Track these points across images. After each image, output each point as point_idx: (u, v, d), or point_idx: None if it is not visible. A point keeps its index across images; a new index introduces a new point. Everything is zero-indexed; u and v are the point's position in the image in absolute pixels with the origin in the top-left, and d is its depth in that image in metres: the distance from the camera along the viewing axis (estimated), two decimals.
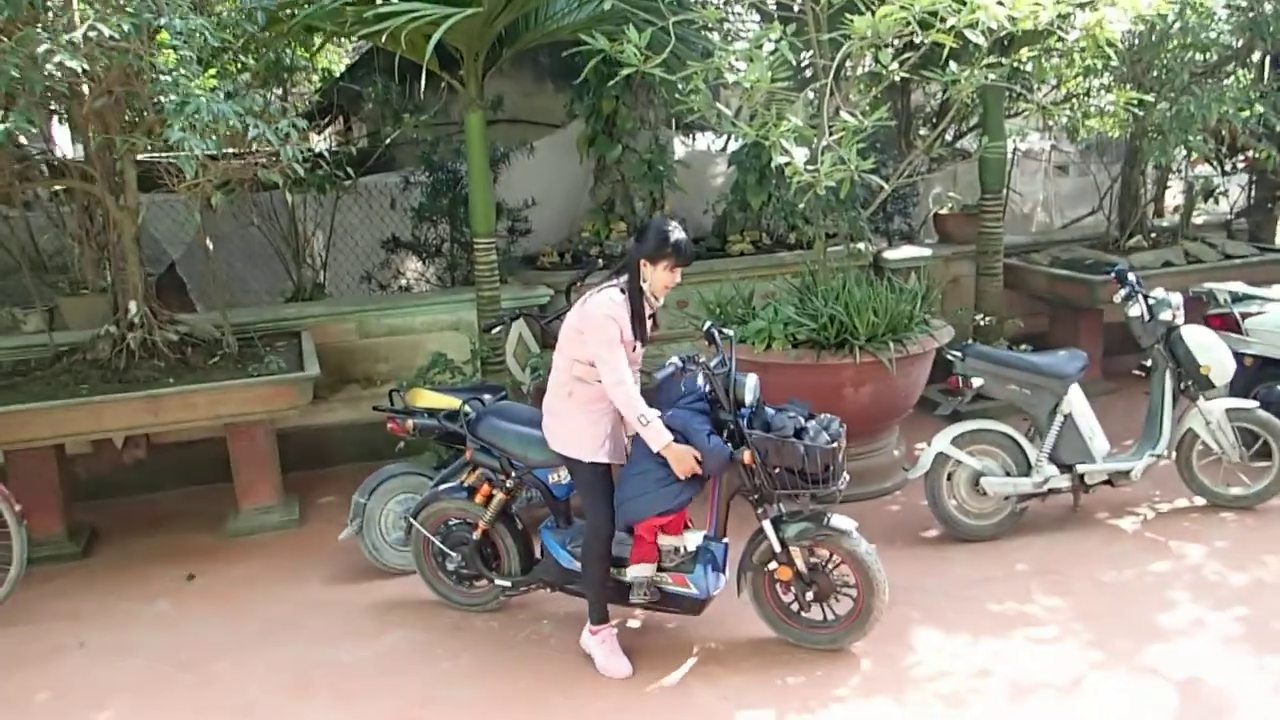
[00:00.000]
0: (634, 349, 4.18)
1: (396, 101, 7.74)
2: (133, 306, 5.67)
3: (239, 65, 7.32)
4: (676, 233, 4.08)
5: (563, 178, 8.21)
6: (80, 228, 6.26)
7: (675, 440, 4.06)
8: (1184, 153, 7.67)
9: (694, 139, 9.31)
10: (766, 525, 4.26)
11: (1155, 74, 7.25)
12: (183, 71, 4.53)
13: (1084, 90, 9.08)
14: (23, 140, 5.55)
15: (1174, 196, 9.67)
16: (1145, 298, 5.46)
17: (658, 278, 4.12)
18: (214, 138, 4.57)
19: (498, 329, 6.09)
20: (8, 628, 4.91)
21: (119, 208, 5.57)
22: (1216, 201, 8.97)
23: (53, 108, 5.66)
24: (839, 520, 4.23)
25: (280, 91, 7.97)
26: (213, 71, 7.38)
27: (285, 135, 4.79)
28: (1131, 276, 5.61)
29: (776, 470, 4.18)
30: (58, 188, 6.22)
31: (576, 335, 4.14)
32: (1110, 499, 5.66)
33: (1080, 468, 5.30)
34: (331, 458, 6.90)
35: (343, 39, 7.89)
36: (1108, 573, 4.94)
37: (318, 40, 7.27)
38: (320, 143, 10.63)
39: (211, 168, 4.96)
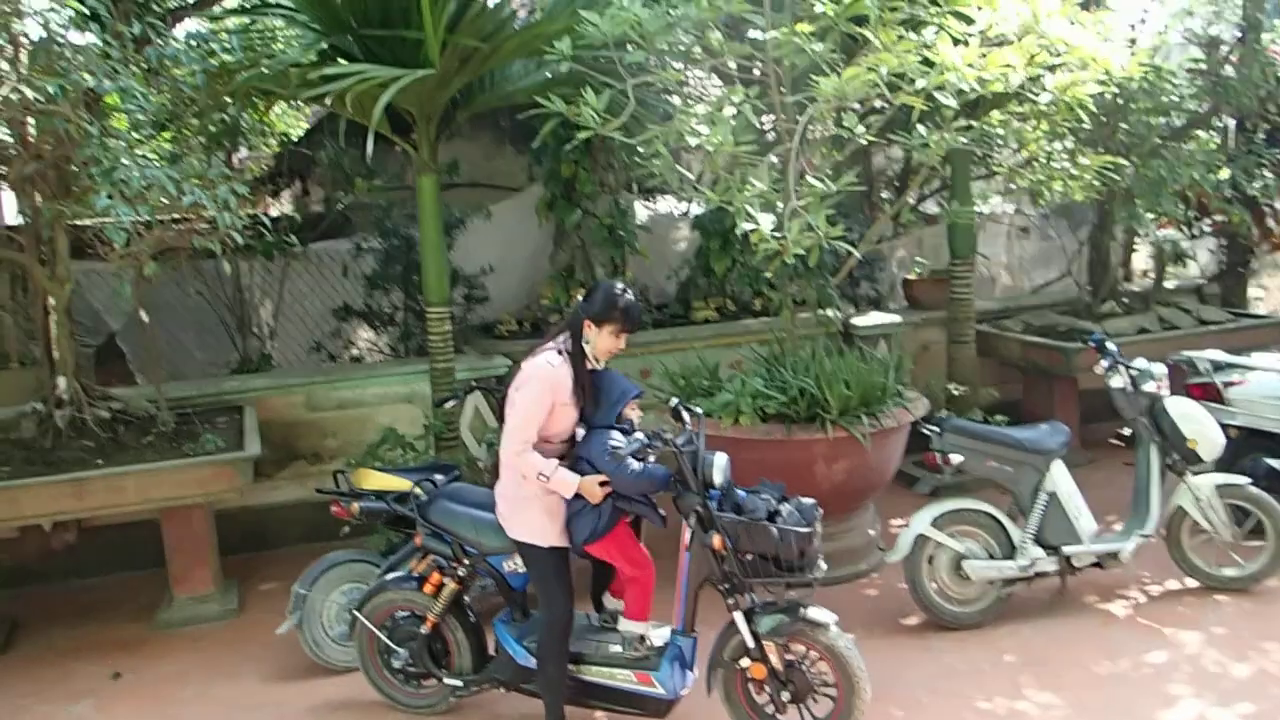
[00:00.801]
0: (573, 417, 3.94)
1: (349, 166, 7.50)
2: (61, 382, 5.32)
3: (193, 128, 7.11)
4: (625, 297, 3.90)
5: (521, 243, 7.97)
6: (10, 298, 5.90)
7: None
8: (1153, 216, 7.57)
9: (656, 203, 9.12)
10: (738, 617, 3.94)
11: (1121, 137, 7.15)
12: (111, 137, 4.24)
13: (1047, 154, 9.04)
14: None
15: (1141, 260, 9.59)
16: (1127, 368, 5.25)
17: (602, 341, 3.91)
18: (146, 204, 4.27)
19: (451, 403, 5.78)
20: None
21: (49, 278, 5.24)
22: (1184, 265, 8.89)
23: None
24: (817, 612, 3.93)
25: (225, 156, 7.72)
26: (167, 135, 7.21)
27: (224, 202, 4.49)
28: (1111, 346, 5.42)
29: (748, 557, 3.89)
30: None
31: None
32: (1099, 581, 5.40)
33: (1067, 549, 5.03)
34: (276, 539, 6.52)
35: (299, 102, 7.67)
36: (1101, 663, 4.66)
37: (267, 103, 7.03)
38: (276, 207, 10.38)
39: (146, 236, 4.65)
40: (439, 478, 4.86)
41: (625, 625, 4.07)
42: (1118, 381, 5.31)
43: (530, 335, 7.17)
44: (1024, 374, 7.73)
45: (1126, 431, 5.47)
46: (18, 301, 5.76)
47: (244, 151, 10.02)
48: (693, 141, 4.72)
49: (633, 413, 4.07)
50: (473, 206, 7.77)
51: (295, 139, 9.81)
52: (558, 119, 5.00)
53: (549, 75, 5.91)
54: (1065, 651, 4.78)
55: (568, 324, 3.99)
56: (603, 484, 3.86)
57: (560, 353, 3.91)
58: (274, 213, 9.65)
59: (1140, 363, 5.30)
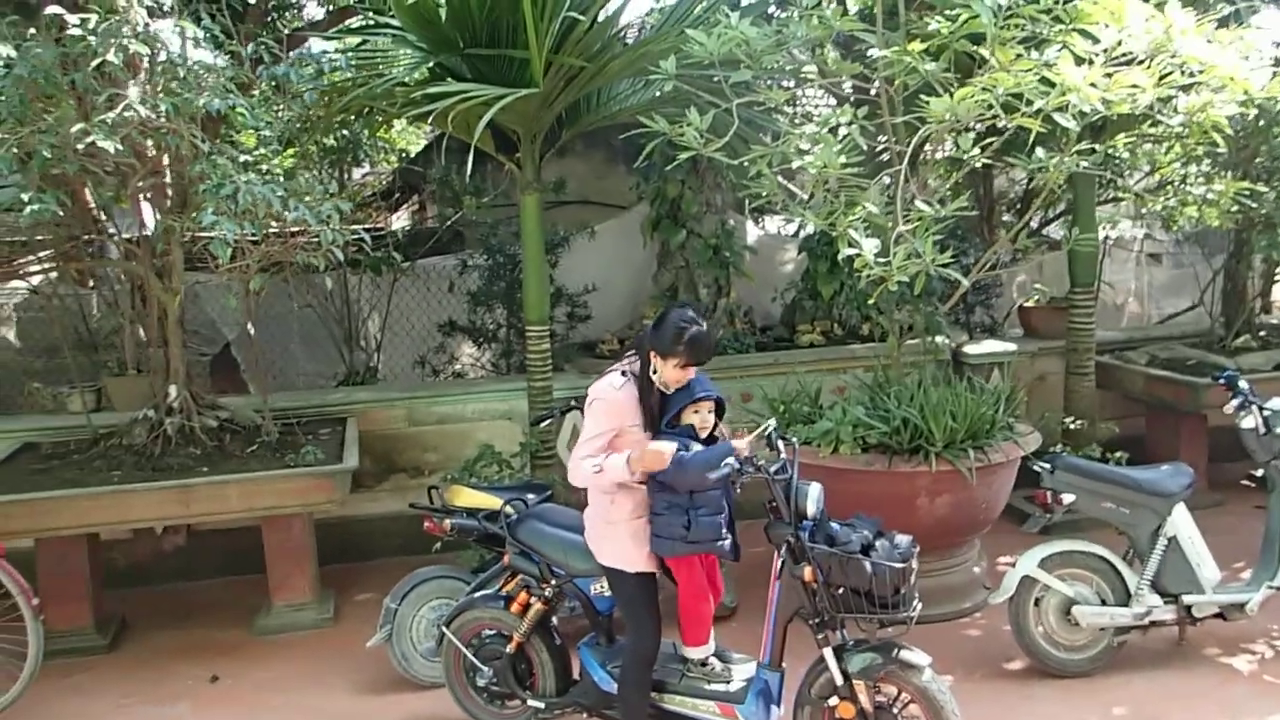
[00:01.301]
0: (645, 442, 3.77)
1: (458, 183, 7.60)
2: (172, 391, 5.49)
3: (316, 145, 7.32)
4: (692, 330, 3.69)
5: (626, 263, 7.95)
6: (130, 307, 6.13)
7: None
8: None
9: (763, 224, 9.01)
10: (828, 654, 3.78)
11: (1261, 161, 6.75)
12: (220, 155, 4.35)
13: (1181, 177, 8.61)
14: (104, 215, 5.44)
15: None
16: (1260, 408, 4.91)
17: (669, 373, 3.76)
18: (252, 220, 4.37)
19: (547, 421, 5.77)
20: None
21: (163, 289, 5.42)
22: None
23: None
24: (911, 653, 3.74)
25: (344, 172, 7.92)
26: (291, 152, 7.44)
27: (327, 218, 4.57)
28: (1243, 383, 5.08)
29: (840, 591, 3.73)
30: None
31: None
32: (1221, 633, 5.04)
33: (1187, 599, 4.71)
34: (374, 550, 6.60)
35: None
36: None
37: (386, 121, 7.19)
38: (391, 223, 10.62)
39: (252, 251, 4.77)
40: (531, 497, 4.86)
41: (687, 652, 3.97)
42: (1249, 422, 4.97)
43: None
44: (1147, 409, 7.32)
45: (1259, 473, 5.11)
46: (136, 311, 5.96)
47: (364, 168, 10.36)
48: (796, 163, 4.60)
49: (694, 416, 3.83)
50: (579, 225, 7.80)
51: (411, 156, 10.07)
52: (662, 139, 4.95)
53: (654, 95, 5.87)
54: (1181, 708, 4.48)
55: (635, 346, 3.88)
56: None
57: (624, 374, 3.82)
58: (393, 228, 9.93)
59: (1275, 403, 4.95)
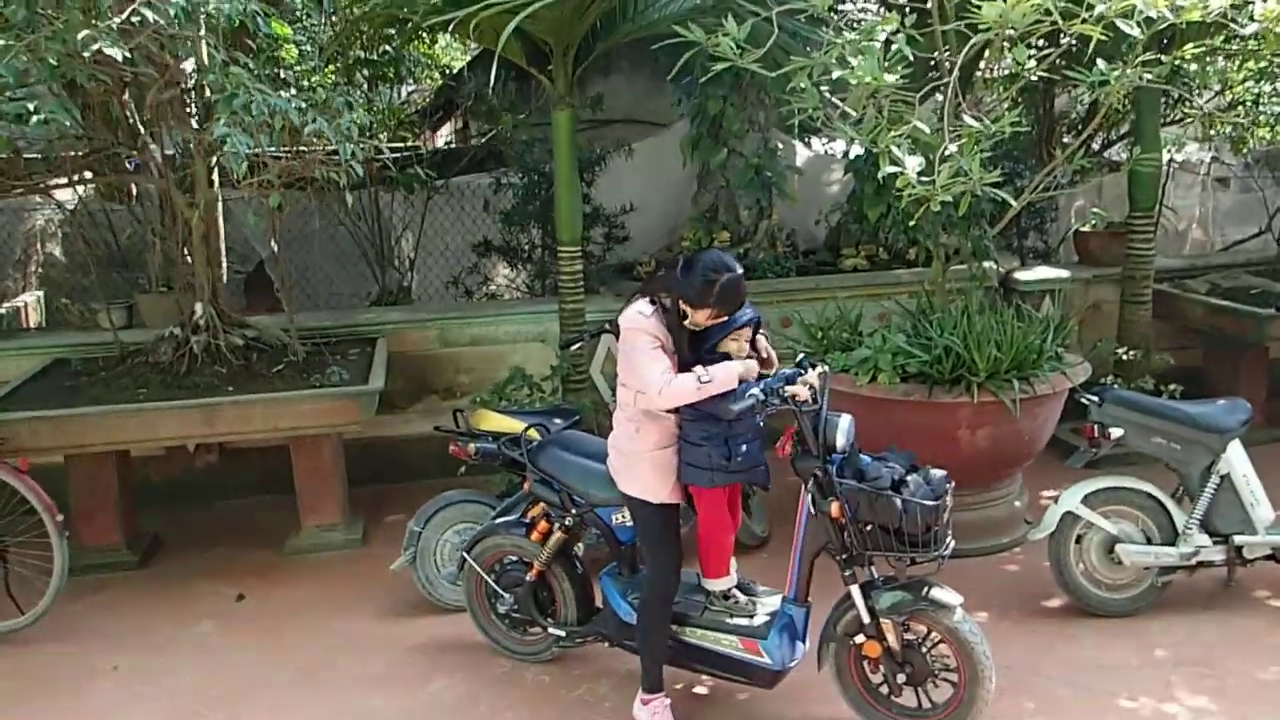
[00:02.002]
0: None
1: (494, 99, 7.39)
2: (198, 308, 5.42)
3: (359, 61, 7.18)
4: (724, 278, 3.47)
5: (665, 183, 7.72)
6: (161, 223, 6.05)
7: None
8: None
9: (810, 144, 8.69)
10: (854, 591, 3.65)
11: None
12: (237, 65, 4.18)
13: (1254, 96, 8.15)
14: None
15: None
16: None
17: (699, 317, 3.57)
18: (269, 134, 4.22)
19: (577, 345, 5.61)
20: (48, 644, 4.67)
21: (188, 205, 5.31)
22: None
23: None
24: (942, 593, 3.60)
25: (381, 89, 7.73)
26: (332, 69, 7.29)
27: (347, 133, 4.41)
28: None
29: (869, 528, 3.59)
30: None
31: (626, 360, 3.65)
32: (1272, 576, 4.80)
33: (1239, 539, 4.49)
34: (406, 472, 6.55)
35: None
36: (1269, 669, 4.14)
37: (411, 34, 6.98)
38: (439, 139, 10.44)
39: (272, 165, 4.63)
40: (558, 422, 4.75)
41: (708, 584, 3.87)
42: None
43: None
44: (1206, 341, 7.00)
45: None
46: (166, 227, 5.87)
47: (409, 86, 10.16)
48: (837, 73, 4.33)
49: (732, 344, 3.64)
50: (617, 143, 7.57)
51: (455, 73, 9.82)
52: (697, 50, 4.69)
53: (692, 3, 5.58)
54: (1227, 653, 4.29)
55: (663, 285, 3.65)
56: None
57: (653, 302, 3.65)
58: (436, 145, 9.76)
59: None
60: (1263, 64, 7.29)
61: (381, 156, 4.79)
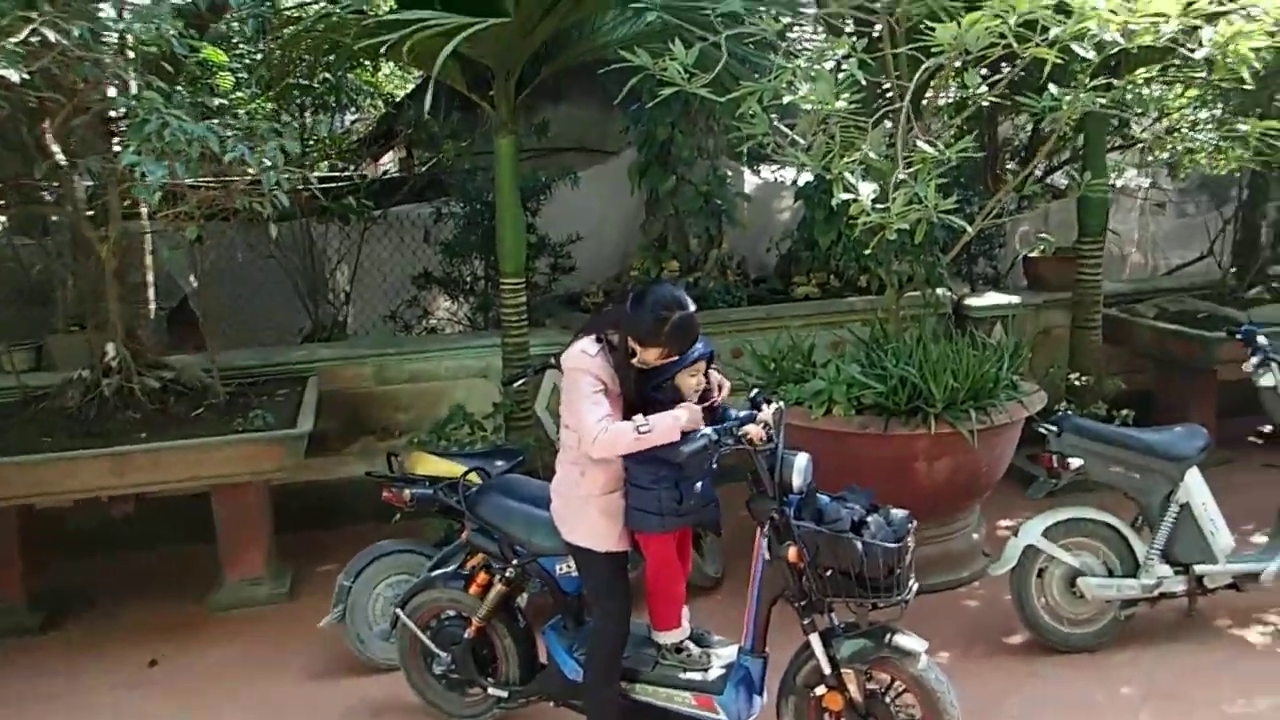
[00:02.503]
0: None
1: (440, 126, 7.16)
2: (110, 349, 5.08)
3: (297, 87, 6.92)
4: (676, 316, 3.29)
5: (613, 211, 7.54)
6: (74, 258, 5.70)
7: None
8: None
9: (760, 171, 8.57)
10: (814, 640, 3.44)
11: None
12: (153, 90, 3.92)
13: (1190, 123, 8.19)
14: None
15: None
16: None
17: (649, 355, 3.38)
18: (185, 162, 3.95)
19: (520, 382, 5.36)
20: None
21: (100, 238, 5.00)
22: None
23: None
24: (905, 639, 3.41)
25: (321, 117, 7.48)
26: (267, 96, 7.01)
27: (271, 161, 4.15)
28: (1262, 339, 4.71)
29: (828, 573, 3.39)
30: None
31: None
32: (1233, 603, 4.69)
33: (1199, 569, 4.38)
34: (341, 517, 6.22)
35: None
36: (1236, 701, 4.04)
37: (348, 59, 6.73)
38: (382, 168, 10.18)
39: (190, 195, 4.36)
40: (499, 463, 4.50)
41: (658, 637, 3.65)
42: (1269, 380, 4.63)
43: None
44: (1156, 364, 6.96)
45: (1268, 429, 4.76)
46: (79, 261, 5.53)
47: (352, 114, 9.90)
48: (787, 99, 4.18)
49: (690, 379, 3.44)
50: (564, 171, 7.37)
51: (398, 100, 9.58)
52: (643, 75, 4.52)
53: (638, 27, 5.43)
54: (1194, 685, 4.17)
55: (611, 321, 3.46)
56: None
57: (599, 340, 3.44)
58: (378, 174, 9.49)
59: None
60: (1201, 90, 7.33)
61: (309, 186, 4.49)
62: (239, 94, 7.08)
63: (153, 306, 5.99)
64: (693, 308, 3.37)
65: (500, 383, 5.77)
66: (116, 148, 4.45)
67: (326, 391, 6.09)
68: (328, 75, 7.28)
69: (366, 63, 7.67)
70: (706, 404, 3.52)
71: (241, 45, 7.09)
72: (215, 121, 4.28)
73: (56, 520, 5.72)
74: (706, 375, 3.53)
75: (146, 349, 5.31)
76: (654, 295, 3.34)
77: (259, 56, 6.81)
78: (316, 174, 7.04)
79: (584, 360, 3.37)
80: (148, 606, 5.34)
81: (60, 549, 5.66)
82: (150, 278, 5.88)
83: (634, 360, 3.39)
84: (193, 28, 4.77)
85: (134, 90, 3.92)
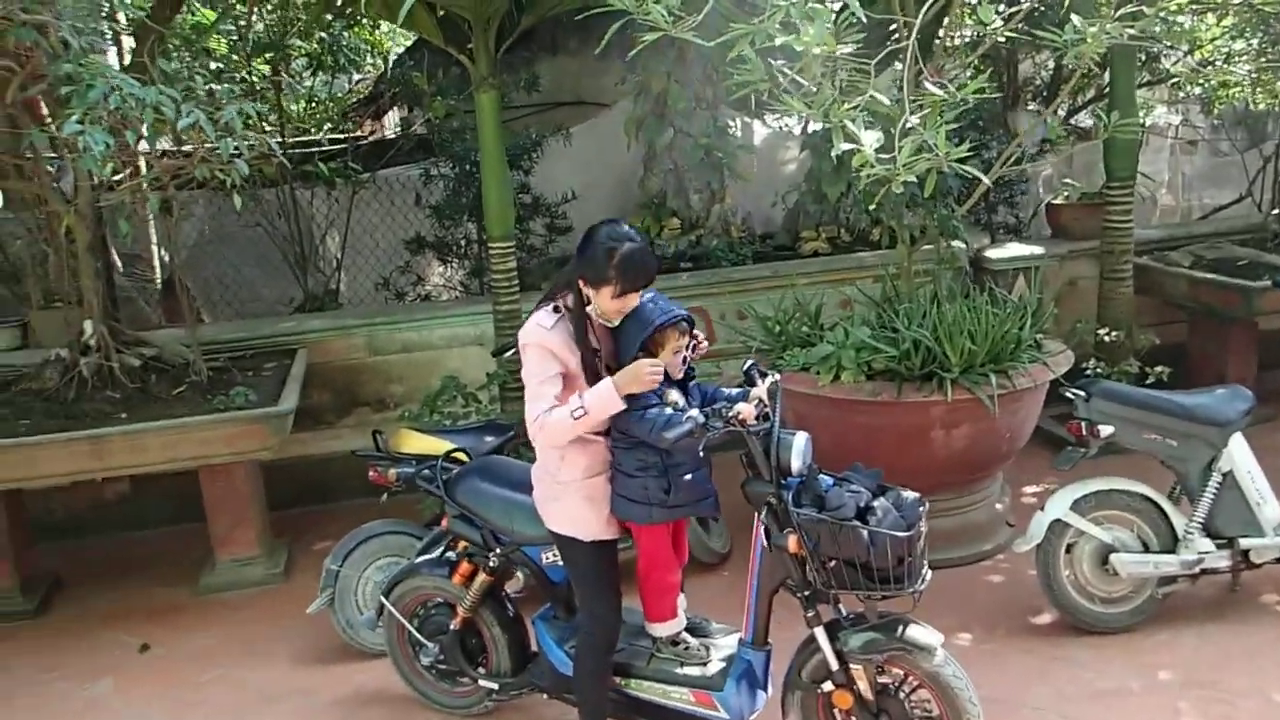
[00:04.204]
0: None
1: (427, 83, 6.84)
2: (88, 326, 4.86)
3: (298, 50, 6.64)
4: (625, 247, 3.02)
5: (609, 167, 7.20)
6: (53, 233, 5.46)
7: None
8: None
9: (766, 121, 8.19)
10: (819, 633, 3.18)
11: None
12: (97, 54, 3.63)
13: (1225, 55, 7.76)
14: None
15: None
16: None
17: (604, 303, 3.09)
18: (135, 129, 3.67)
19: (510, 351, 5.08)
20: None
21: (72, 212, 4.75)
22: None
23: None
24: (919, 631, 3.12)
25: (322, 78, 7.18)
26: (266, 56, 6.72)
27: (228, 126, 3.86)
28: None
29: (832, 563, 3.11)
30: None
31: None
32: None
33: (1244, 542, 4.05)
34: (336, 492, 6.02)
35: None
36: None
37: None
38: (384, 130, 9.87)
39: (158, 165, 4.09)
40: (490, 439, 4.27)
41: (652, 629, 3.40)
42: None
43: None
44: (1191, 315, 6.58)
45: None
46: (56, 237, 5.28)
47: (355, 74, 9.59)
48: (780, 40, 3.83)
49: (671, 351, 3.15)
50: (556, 127, 7.04)
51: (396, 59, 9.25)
52: (625, 20, 4.18)
53: None
54: (1238, 670, 3.87)
55: (565, 281, 3.19)
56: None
57: (557, 309, 3.16)
58: (382, 134, 9.18)
59: None
60: (1238, 18, 6.90)
61: (277, 152, 4.21)
62: (235, 58, 6.81)
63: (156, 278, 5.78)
64: (641, 241, 3.10)
65: (491, 352, 5.50)
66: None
67: (318, 364, 5.87)
68: (323, 35, 6.98)
69: (365, 21, 7.37)
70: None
71: (238, 6, 6.81)
72: (178, 87, 3.98)
73: (47, 501, 5.57)
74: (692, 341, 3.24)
75: (125, 326, 5.06)
76: (600, 231, 3.11)
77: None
78: (301, 137, 6.75)
79: (538, 334, 3.10)
80: (140, 590, 5.17)
81: (53, 532, 5.51)
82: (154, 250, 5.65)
83: (590, 310, 3.10)
84: None
85: (75, 53, 3.60)
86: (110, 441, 4.49)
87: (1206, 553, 4.05)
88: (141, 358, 4.99)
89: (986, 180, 4.18)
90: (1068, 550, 4.15)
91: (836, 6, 4.17)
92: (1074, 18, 3.97)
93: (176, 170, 4.20)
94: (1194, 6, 6.13)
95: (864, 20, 3.86)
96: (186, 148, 4.14)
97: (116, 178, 4.17)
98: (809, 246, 6.81)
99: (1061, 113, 7.81)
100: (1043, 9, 5.55)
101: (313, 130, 7.24)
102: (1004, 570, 4.77)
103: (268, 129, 6.49)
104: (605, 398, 3.01)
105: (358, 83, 10.35)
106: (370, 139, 7.92)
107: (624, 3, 4.01)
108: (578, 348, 3.10)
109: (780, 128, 7.76)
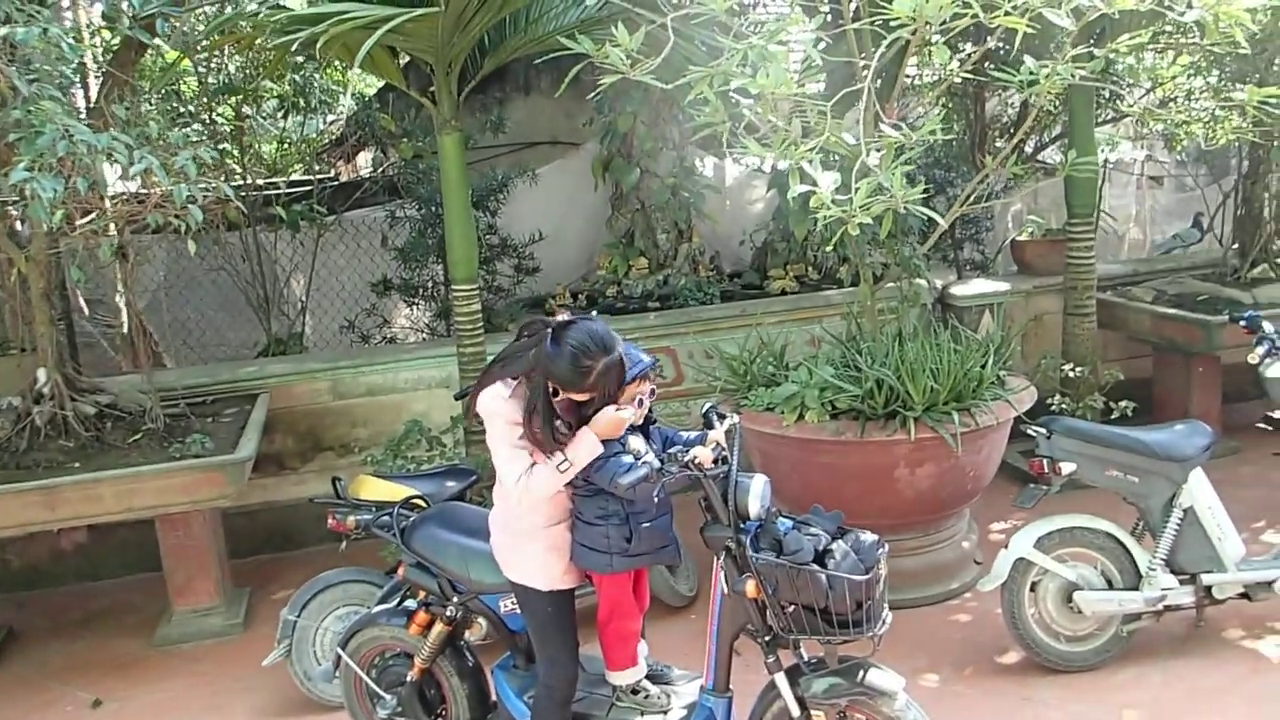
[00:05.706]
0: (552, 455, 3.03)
1: (394, 125, 6.85)
2: (41, 374, 4.78)
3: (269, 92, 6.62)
4: (601, 362, 2.92)
5: (577, 208, 7.21)
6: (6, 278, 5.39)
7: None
8: None
9: (738, 159, 8.23)
10: (779, 679, 3.13)
11: None
12: (51, 100, 3.60)
13: (1185, 92, 7.85)
14: None
15: None
16: None
17: (573, 395, 3.04)
18: (85, 176, 3.63)
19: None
20: None
21: (24, 256, 4.69)
22: None
23: None
24: (879, 676, 3.08)
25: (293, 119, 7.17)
26: (232, 100, 6.69)
27: (182, 172, 3.83)
28: (1268, 326, 4.39)
29: (791, 608, 3.07)
30: None
31: None
32: (1244, 612, 4.38)
33: (1207, 578, 4.05)
34: (300, 538, 5.95)
35: None
36: None
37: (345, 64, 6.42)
38: (365, 168, 9.85)
39: (111, 210, 4.05)
40: (451, 484, 4.22)
41: (612, 677, 3.34)
42: (1277, 371, 4.30)
43: (585, 309, 6.44)
44: (1155, 350, 6.62)
45: (1277, 414, 4.43)
46: (13, 282, 5.22)
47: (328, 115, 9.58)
48: (736, 83, 3.86)
49: (630, 393, 3.08)
50: (521, 169, 7.04)
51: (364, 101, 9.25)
52: (584, 63, 4.20)
53: (584, 13, 5.11)
54: (1204, 706, 3.85)
55: (526, 366, 3.04)
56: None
57: (506, 383, 3.11)
58: (354, 175, 9.15)
59: None
60: (1195, 57, 6.99)
61: (231, 198, 4.17)
62: (204, 100, 6.78)
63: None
64: (619, 347, 3.01)
65: (454, 396, 5.45)
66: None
67: (281, 409, 5.81)
68: (294, 78, 6.97)
69: (338, 63, 7.37)
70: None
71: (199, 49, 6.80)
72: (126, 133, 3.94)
73: (3, 552, 5.48)
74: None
75: (86, 372, 4.99)
76: (573, 338, 2.94)
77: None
78: (263, 180, 6.72)
79: (499, 404, 3.05)
80: (95, 642, 5.08)
81: (8, 583, 5.45)
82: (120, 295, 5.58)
83: (558, 399, 3.06)
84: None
85: (25, 99, 3.56)
86: (62, 491, 4.41)
87: (1170, 589, 4.04)
88: (97, 405, 4.91)
89: (944, 222, 4.21)
90: (1032, 588, 4.13)
91: (800, 48, 4.19)
92: (1027, 59, 4.02)
93: (130, 215, 4.15)
94: (1152, 46, 6.19)
95: (819, 62, 3.90)
96: (143, 192, 4.09)
97: (70, 224, 4.10)
98: (777, 285, 6.81)
99: (1028, 149, 7.89)
100: (1005, 48, 5.60)
101: (287, 171, 7.19)
102: (971, 609, 4.75)
103: (237, 171, 6.45)
104: (589, 446, 2.99)
105: (330, 124, 10.37)
106: (338, 181, 7.89)
107: (585, 45, 4.05)
108: (535, 419, 3.03)
109: (747, 166, 7.79)
